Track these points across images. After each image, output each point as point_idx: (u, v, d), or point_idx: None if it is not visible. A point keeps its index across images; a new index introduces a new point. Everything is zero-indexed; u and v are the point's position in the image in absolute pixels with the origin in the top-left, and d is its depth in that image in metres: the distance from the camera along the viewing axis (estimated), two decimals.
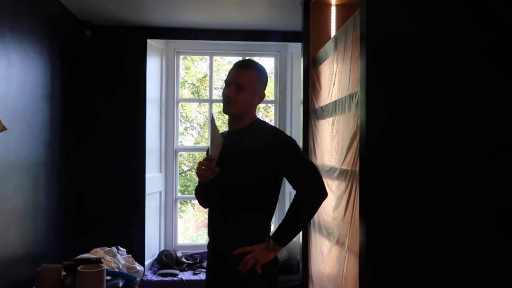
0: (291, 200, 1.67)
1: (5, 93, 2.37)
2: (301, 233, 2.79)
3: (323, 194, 1.63)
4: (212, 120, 1.67)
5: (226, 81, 1.70)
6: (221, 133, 1.70)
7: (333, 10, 2.69)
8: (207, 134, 6.33)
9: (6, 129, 2.29)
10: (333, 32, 2.69)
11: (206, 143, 6.65)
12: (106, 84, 3.75)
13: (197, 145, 7.26)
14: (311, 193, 1.62)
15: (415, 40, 1.59)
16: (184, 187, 7.21)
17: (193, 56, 6.82)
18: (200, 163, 1.65)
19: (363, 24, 1.61)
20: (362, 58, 1.62)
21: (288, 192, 3.97)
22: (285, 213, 1.65)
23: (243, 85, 1.64)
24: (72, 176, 3.46)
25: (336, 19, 2.68)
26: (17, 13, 2.55)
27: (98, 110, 3.74)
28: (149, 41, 3.81)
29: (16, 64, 2.53)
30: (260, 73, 1.70)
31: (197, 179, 1.76)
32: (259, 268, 1.60)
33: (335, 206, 2.11)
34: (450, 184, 1.59)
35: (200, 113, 7.50)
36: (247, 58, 3.96)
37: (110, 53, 3.76)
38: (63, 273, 2.49)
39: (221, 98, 1.70)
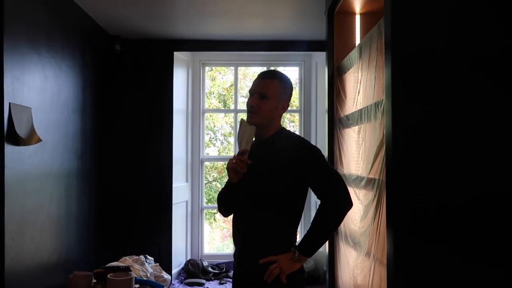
0: (316, 210, 1.66)
1: (40, 106, 2.48)
2: (327, 243, 2.76)
3: (348, 204, 1.61)
4: (242, 120, 1.70)
5: (250, 91, 1.72)
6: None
7: (357, 18, 2.69)
8: (232, 143, 6.38)
9: (41, 140, 2.39)
10: (357, 41, 2.68)
11: (230, 153, 6.69)
12: (134, 95, 3.86)
13: (222, 155, 7.32)
14: (336, 203, 1.60)
15: (441, 48, 1.57)
16: (210, 197, 7.26)
17: (218, 67, 6.92)
18: (231, 159, 1.67)
19: (388, 32, 1.61)
20: (387, 66, 1.61)
21: (313, 202, 3.95)
22: (310, 223, 1.64)
23: (266, 94, 1.66)
24: (102, 186, 3.55)
25: (360, 28, 2.68)
26: (53, 31, 2.67)
27: (127, 121, 3.85)
28: (175, 53, 3.90)
29: (51, 78, 2.64)
30: (283, 83, 1.72)
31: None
32: (284, 278, 1.59)
33: (362, 216, 2.08)
34: (479, 193, 1.55)
35: (227, 123, 7.57)
36: (271, 68, 4.00)
37: (139, 66, 3.87)
38: (94, 280, 2.55)
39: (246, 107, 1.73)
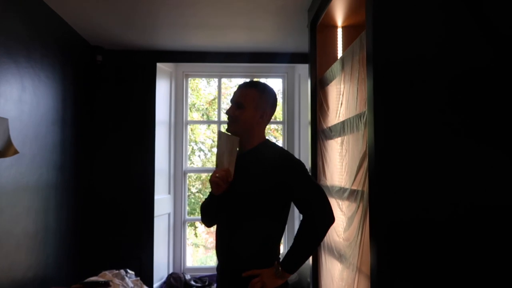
0: (299, 225, 1.65)
1: (17, 117, 2.42)
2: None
3: (330, 220, 1.61)
4: (221, 132, 1.68)
5: (230, 101, 1.73)
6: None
7: (339, 31, 2.72)
8: (214, 157, 6.34)
9: (18, 152, 2.32)
10: (339, 53, 2.71)
11: (212, 165, 6.66)
12: (116, 107, 3.81)
13: (205, 166, 7.27)
14: (318, 218, 1.60)
15: (422, 60, 1.60)
16: (193, 209, 7.17)
17: (202, 79, 6.92)
18: (214, 171, 1.65)
19: (369, 45, 1.63)
20: (369, 79, 1.63)
21: (296, 214, 3.94)
22: (294, 239, 1.63)
23: (242, 104, 1.66)
24: (81, 199, 3.47)
25: (342, 41, 2.71)
26: (32, 40, 2.63)
27: (108, 133, 3.79)
28: (158, 64, 3.88)
29: (29, 89, 2.58)
30: (262, 92, 1.71)
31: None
32: None
33: (346, 227, 2.08)
34: (463, 204, 1.57)
35: (208, 137, 7.53)
36: (254, 79, 4.01)
37: (121, 77, 3.83)
38: None
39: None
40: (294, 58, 3.94)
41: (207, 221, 1.82)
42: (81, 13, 3.00)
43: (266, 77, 4.49)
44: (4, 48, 2.28)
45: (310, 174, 1.77)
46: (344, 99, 2.19)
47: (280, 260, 1.64)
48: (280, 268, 1.59)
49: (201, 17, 3.08)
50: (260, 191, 1.62)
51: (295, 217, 3.99)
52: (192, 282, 3.90)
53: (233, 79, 6.51)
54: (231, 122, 1.67)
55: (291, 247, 1.61)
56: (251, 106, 1.66)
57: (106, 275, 2.91)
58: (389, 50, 1.59)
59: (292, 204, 1.72)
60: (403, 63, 1.59)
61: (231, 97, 1.73)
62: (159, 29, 3.36)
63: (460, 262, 1.56)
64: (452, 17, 1.62)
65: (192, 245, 7.55)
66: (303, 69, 3.93)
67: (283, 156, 1.68)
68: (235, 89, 1.76)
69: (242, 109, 1.66)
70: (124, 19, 3.14)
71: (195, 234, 7.55)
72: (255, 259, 1.63)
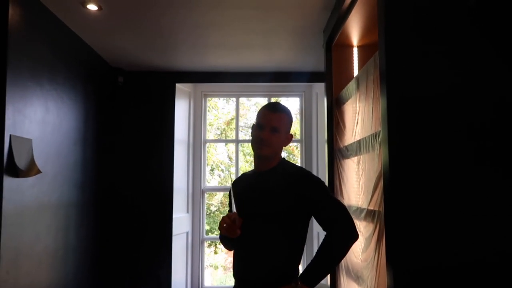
0: (320, 241, 1.63)
1: (41, 138, 2.50)
2: (329, 275, 2.70)
3: (355, 235, 1.61)
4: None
5: (258, 124, 1.73)
6: (244, 173, 1.70)
7: (355, 51, 2.73)
8: (232, 176, 6.36)
9: (41, 172, 2.39)
10: (355, 73, 2.71)
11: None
12: (137, 126, 3.89)
13: (223, 185, 7.29)
14: (343, 234, 1.60)
15: (435, 79, 1.59)
16: (214, 228, 7.16)
17: (220, 98, 7.00)
18: (223, 218, 1.66)
19: (382, 64, 1.63)
20: (383, 98, 1.62)
21: (315, 233, 3.89)
22: (315, 254, 1.61)
23: (278, 128, 1.69)
24: (101, 217, 3.52)
25: (358, 60, 2.72)
26: (55, 63, 2.73)
27: (128, 152, 3.86)
28: (177, 85, 3.96)
29: (53, 110, 2.67)
30: (289, 117, 1.76)
31: None
32: None
33: (364, 248, 2.04)
34: (478, 223, 1.52)
35: (230, 158, 7.56)
36: (273, 101, 4.04)
37: (141, 97, 3.92)
38: None
39: (248, 138, 1.74)
40: (311, 77, 3.96)
41: (229, 248, 1.84)
42: (103, 37, 3.11)
43: (284, 96, 4.51)
44: (29, 72, 2.38)
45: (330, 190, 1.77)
46: (359, 118, 2.18)
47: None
48: (299, 282, 1.57)
49: (219, 38, 3.14)
50: (282, 209, 1.63)
51: (313, 236, 3.93)
52: None
53: (251, 99, 6.56)
54: (265, 146, 1.68)
55: (312, 261, 1.60)
56: (283, 130, 1.71)
57: None
58: (401, 70, 1.58)
59: (311, 222, 1.71)
60: (416, 82, 1.58)
61: (258, 119, 1.73)
62: (178, 50, 3.44)
63: (480, 283, 1.50)
64: (471, 38, 1.60)
65: (211, 266, 7.48)
66: (320, 88, 3.93)
67: (303, 173, 1.71)
68: (254, 108, 1.78)
69: (277, 134, 1.69)
70: (144, 42, 3.23)
71: (215, 251, 7.50)
72: (276, 278, 1.61)
